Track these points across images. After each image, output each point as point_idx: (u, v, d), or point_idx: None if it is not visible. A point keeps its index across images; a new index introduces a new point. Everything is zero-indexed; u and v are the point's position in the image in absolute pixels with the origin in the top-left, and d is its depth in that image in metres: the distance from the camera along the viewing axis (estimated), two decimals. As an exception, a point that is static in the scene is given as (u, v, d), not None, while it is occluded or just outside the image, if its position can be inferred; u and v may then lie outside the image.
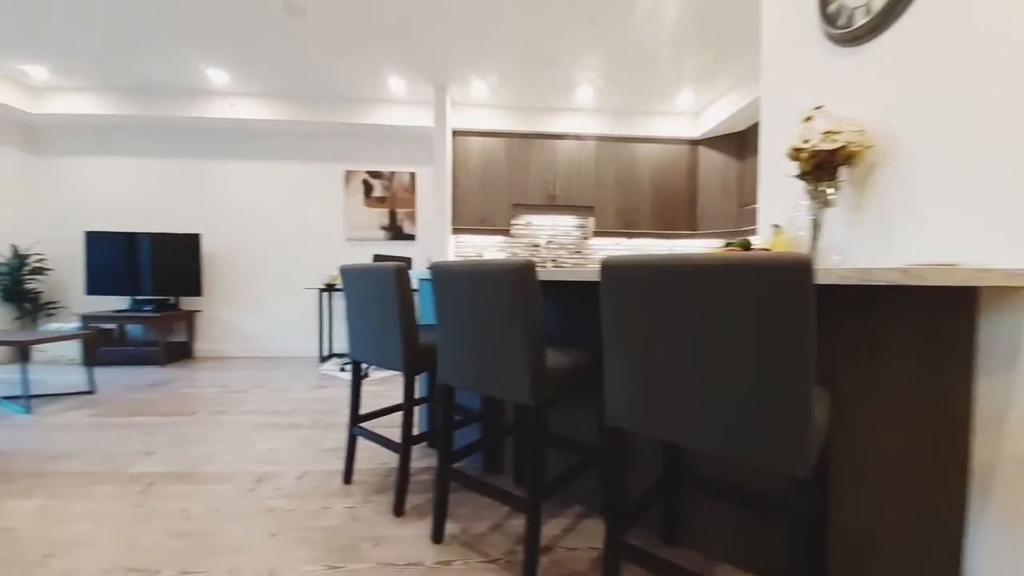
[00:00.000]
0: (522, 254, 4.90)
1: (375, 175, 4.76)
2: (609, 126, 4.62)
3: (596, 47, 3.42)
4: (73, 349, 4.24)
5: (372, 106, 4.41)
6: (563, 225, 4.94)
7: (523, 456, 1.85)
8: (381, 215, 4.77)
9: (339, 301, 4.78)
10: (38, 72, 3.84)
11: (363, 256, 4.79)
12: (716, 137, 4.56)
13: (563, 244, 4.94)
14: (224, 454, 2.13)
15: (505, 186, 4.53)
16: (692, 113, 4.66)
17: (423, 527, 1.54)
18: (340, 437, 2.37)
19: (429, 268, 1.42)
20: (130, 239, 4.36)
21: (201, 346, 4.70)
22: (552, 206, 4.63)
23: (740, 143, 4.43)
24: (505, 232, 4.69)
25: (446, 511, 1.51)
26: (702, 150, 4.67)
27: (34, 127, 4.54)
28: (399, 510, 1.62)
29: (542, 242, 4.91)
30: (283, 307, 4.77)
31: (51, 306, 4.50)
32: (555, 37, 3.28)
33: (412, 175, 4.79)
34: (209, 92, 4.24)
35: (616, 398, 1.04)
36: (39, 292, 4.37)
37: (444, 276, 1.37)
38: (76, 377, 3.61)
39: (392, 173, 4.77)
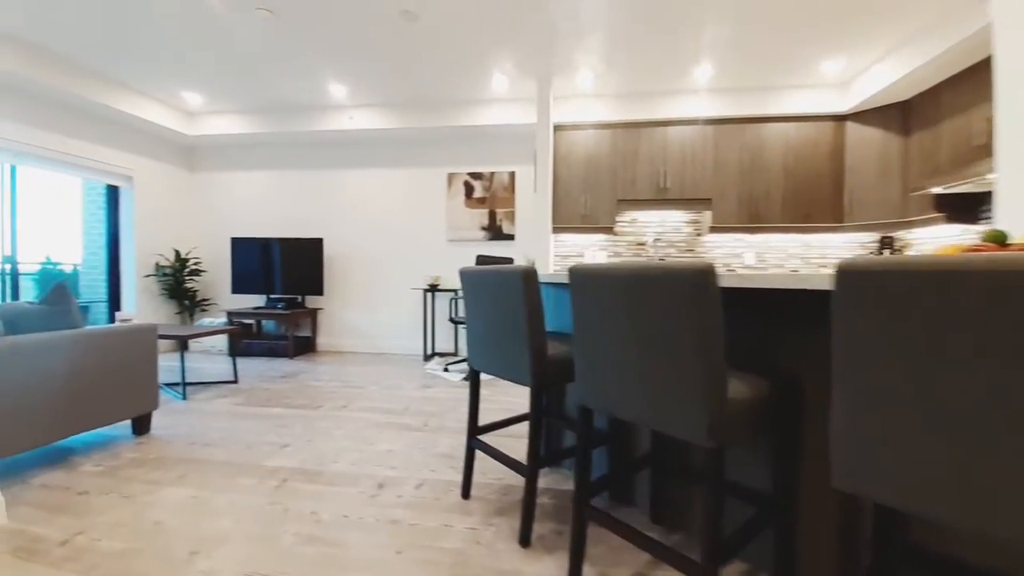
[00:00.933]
0: (625, 253, 4.56)
1: (475, 176, 4.76)
2: (732, 106, 4.08)
3: (727, 12, 2.99)
4: (221, 341, 4.83)
5: (474, 107, 4.39)
6: (672, 221, 4.50)
7: (662, 491, 1.59)
8: (481, 216, 4.76)
9: (441, 301, 4.86)
10: (194, 99, 4.41)
11: (464, 257, 4.82)
12: (872, 110, 3.80)
13: (672, 242, 4.50)
14: (348, 453, 2.17)
15: (609, 181, 4.23)
16: (839, 84, 3.93)
17: (554, 566, 1.36)
18: (452, 444, 2.31)
19: (569, 271, 1.23)
20: (265, 244, 4.86)
21: (322, 341, 5.09)
22: (663, 200, 4.22)
23: (904, 115, 3.63)
24: (608, 231, 4.39)
25: (583, 552, 1.31)
26: (851, 126, 3.93)
27: (192, 147, 5.27)
28: (525, 540, 1.46)
29: (648, 240, 4.52)
30: (391, 306, 4.98)
31: (205, 303, 5.19)
32: (677, 4, 2.93)
33: (511, 174, 4.70)
34: (329, 106, 4.55)
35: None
36: (195, 290, 5.05)
37: (589, 281, 1.17)
38: (222, 367, 4.08)
39: (492, 173, 4.73)
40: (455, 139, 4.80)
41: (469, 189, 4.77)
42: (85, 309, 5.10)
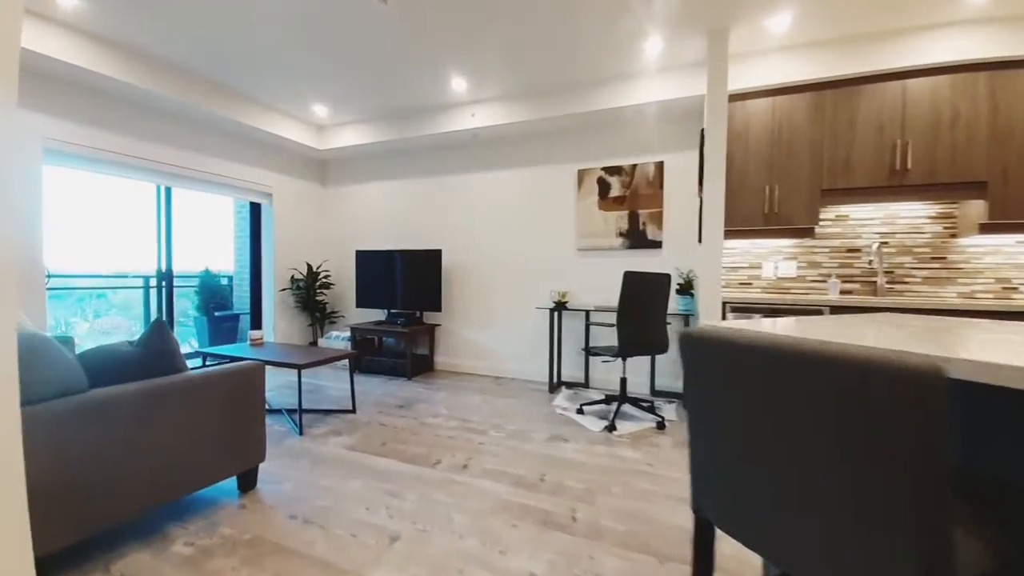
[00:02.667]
0: (827, 264, 3.32)
1: (612, 171, 3.93)
2: (997, 41, 2.63)
3: None
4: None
5: (611, 86, 3.56)
6: (908, 216, 3.14)
7: None
8: (619, 219, 3.91)
9: (570, 321, 4.13)
10: (321, 111, 4.34)
11: (598, 269, 4.03)
12: None
13: (908, 247, 3.14)
14: (472, 567, 1.54)
15: (810, 164, 3.06)
16: None
17: None
18: (622, 569, 1.54)
19: (685, 338, 0.37)
20: (388, 256, 4.65)
21: (440, 359, 4.74)
22: (898, 188, 2.92)
23: None
24: (806, 233, 3.21)
25: None
26: None
27: (324, 162, 5.34)
28: None
29: (870, 246, 3.22)
30: (511, 325, 4.41)
31: (334, 315, 5.21)
32: None
33: (658, 165, 3.77)
34: (449, 105, 4.13)
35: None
36: (325, 303, 5.08)
37: (727, 356, 0.47)
38: (342, 387, 3.89)
39: (633, 167, 3.85)
40: (586, 128, 4.03)
41: (604, 187, 3.96)
42: (236, 318, 5.48)
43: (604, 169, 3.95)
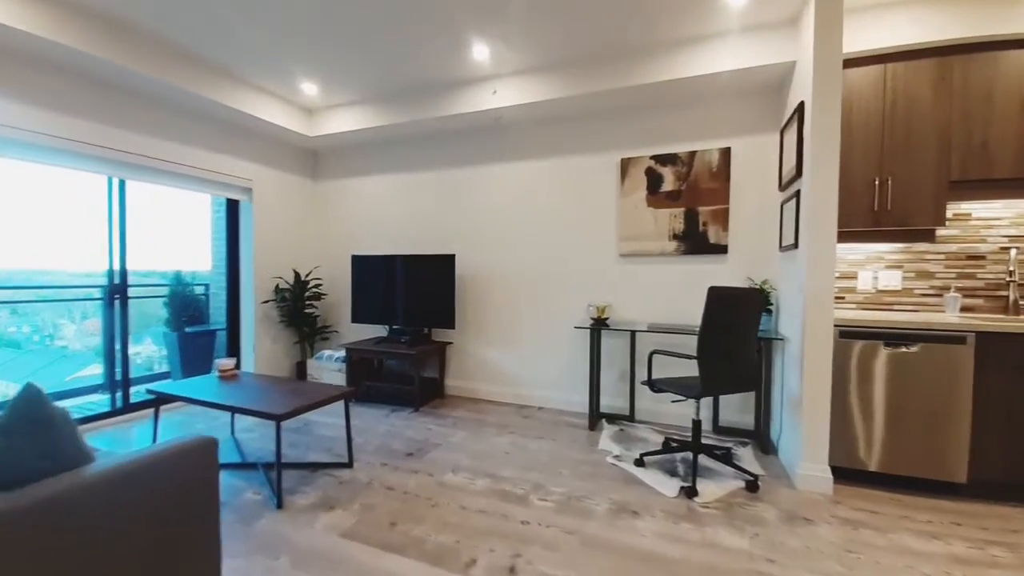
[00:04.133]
0: (942, 275, 2.67)
1: (664, 160, 3.25)
2: None
3: None
4: (339, 364, 3.97)
5: (669, 53, 2.88)
6: (1051, 215, 2.49)
7: None
8: (672, 218, 3.24)
9: (611, 340, 3.45)
10: (311, 89, 3.62)
11: (645, 278, 3.35)
12: None
13: (1051, 253, 2.49)
14: None
15: (935, 149, 2.40)
16: None
17: None
18: None
19: None
20: (389, 263, 3.94)
21: (452, 383, 4.03)
22: (1054, 178, 2.27)
23: None
24: (925, 236, 2.54)
25: None
26: None
27: (314, 152, 4.61)
28: None
29: (1003, 252, 2.57)
30: (538, 344, 3.72)
31: (325, 330, 4.49)
32: None
33: (724, 152, 3.10)
34: (463, 81, 3.43)
35: None
36: (316, 317, 4.36)
37: None
38: (337, 423, 3.17)
39: (692, 155, 3.18)
40: (632, 108, 3.36)
41: (654, 180, 3.28)
42: (211, 335, 4.73)
43: (654, 158, 3.27)
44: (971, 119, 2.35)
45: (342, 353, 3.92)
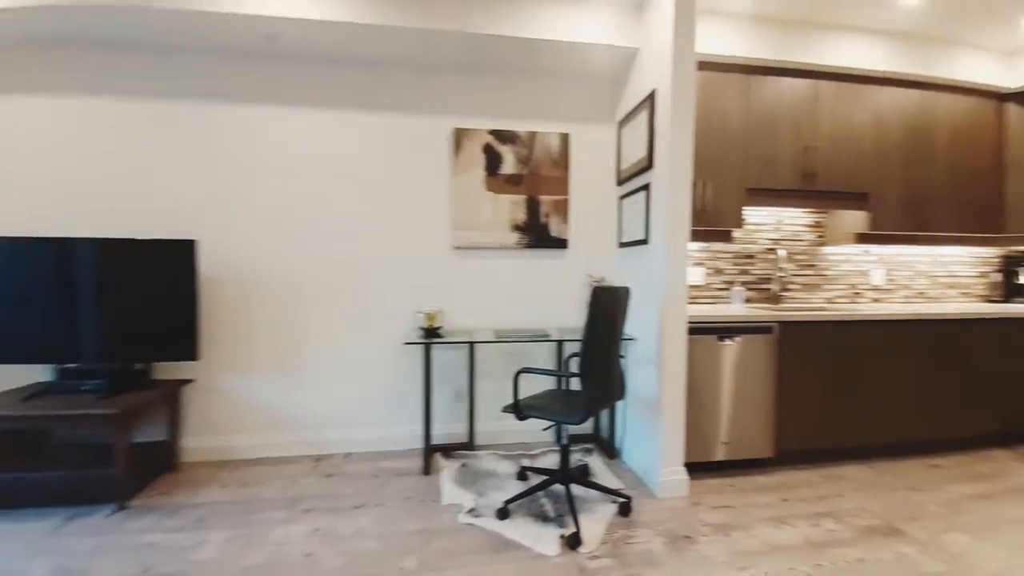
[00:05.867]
0: (728, 271, 3.06)
1: (504, 138, 2.77)
2: (898, 58, 2.78)
3: None
4: None
5: (508, 4, 2.40)
6: (790, 224, 3.13)
7: None
8: (514, 206, 2.80)
9: (444, 352, 2.77)
10: None
11: (484, 280, 2.80)
12: (1056, 85, 2.87)
13: (791, 255, 3.13)
14: None
15: (742, 158, 2.66)
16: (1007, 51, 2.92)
17: None
18: None
19: None
20: (64, 251, 2.21)
21: (194, 444, 2.57)
22: (806, 193, 2.79)
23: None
24: (726, 236, 2.79)
25: None
26: (1013, 110, 2.97)
27: None
28: None
29: (766, 252, 3.08)
30: (347, 367, 2.72)
31: None
32: None
33: (564, 138, 2.83)
34: (210, -40, 2.13)
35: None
36: None
37: None
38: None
39: (532, 135, 2.80)
40: (470, 68, 2.75)
41: (493, 158, 2.77)
42: None
43: (494, 133, 2.75)
44: (762, 135, 2.68)
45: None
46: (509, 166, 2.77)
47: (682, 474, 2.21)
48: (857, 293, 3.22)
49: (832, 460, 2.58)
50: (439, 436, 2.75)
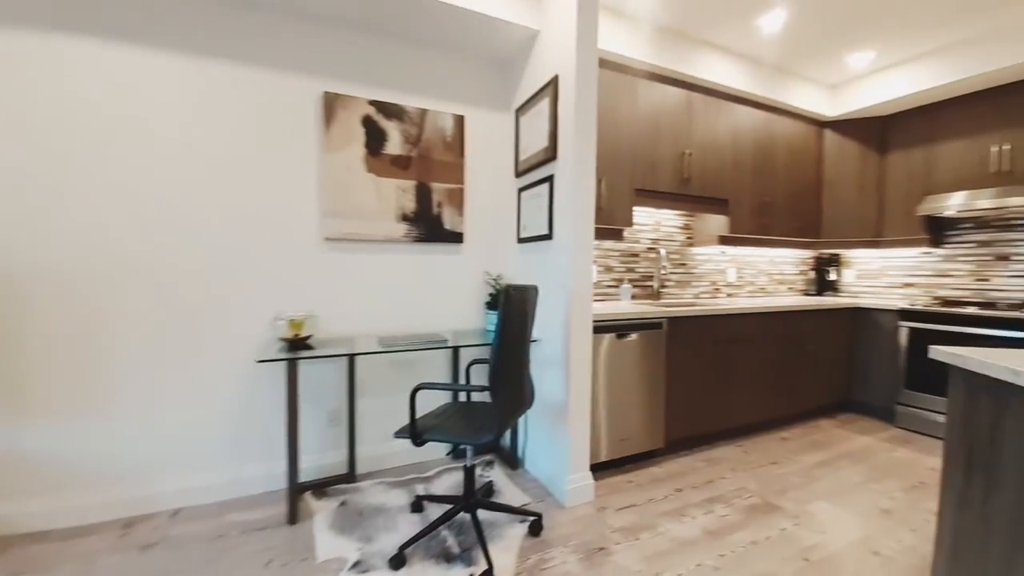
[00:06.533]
0: (617, 269, 3.14)
1: (390, 112, 2.37)
2: (752, 81, 3.13)
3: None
4: None
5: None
6: (667, 225, 3.34)
7: None
8: (402, 193, 2.42)
9: (313, 369, 2.26)
10: None
11: (363, 279, 2.37)
12: (851, 120, 3.56)
13: (669, 254, 3.35)
14: None
15: (630, 161, 2.70)
16: (832, 84, 3.53)
17: None
18: None
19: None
20: None
21: None
22: (683, 197, 2.98)
23: (884, 130, 3.49)
24: (617, 235, 2.83)
25: None
26: (829, 135, 3.62)
27: None
28: None
29: (649, 251, 3.23)
30: (174, 396, 2.03)
31: None
32: None
33: (459, 120, 2.55)
34: None
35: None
36: None
37: None
38: None
39: (423, 113, 2.45)
40: (352, 20, 2.28)
41: (376, 134, 2.35)
42: None
43: (375, 104, 2.33)
44: (648, 137, 2.77)
45: None
46: (395, 146, 2.39)
47: (588, 479, 2.13)
48: (717, 289, 3.59)
49: (709, 443, 2.79)
50: (309, 470, 2.24)
